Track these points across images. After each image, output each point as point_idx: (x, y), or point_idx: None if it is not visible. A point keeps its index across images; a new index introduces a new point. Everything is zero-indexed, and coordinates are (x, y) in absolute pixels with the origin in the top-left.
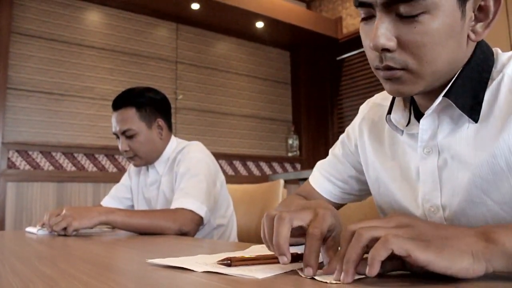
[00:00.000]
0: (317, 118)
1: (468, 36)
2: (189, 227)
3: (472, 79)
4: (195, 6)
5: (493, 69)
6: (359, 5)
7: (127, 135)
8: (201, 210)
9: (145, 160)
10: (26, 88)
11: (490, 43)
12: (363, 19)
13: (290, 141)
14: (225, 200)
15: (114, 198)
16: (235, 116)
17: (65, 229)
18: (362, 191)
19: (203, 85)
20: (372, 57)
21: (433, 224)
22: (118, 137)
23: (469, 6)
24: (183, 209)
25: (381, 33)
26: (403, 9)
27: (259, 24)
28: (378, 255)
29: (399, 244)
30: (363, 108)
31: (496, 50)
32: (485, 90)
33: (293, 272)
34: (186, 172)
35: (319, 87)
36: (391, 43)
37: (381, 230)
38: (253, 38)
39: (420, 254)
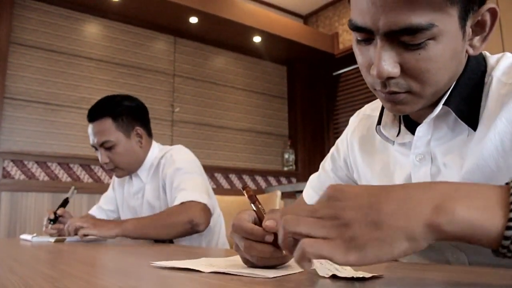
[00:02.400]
0: (313, 133)
1: (466, 51)
2: (200, 216)
3: (468, 86)
4: (193, 20)
5: (486, 74)
6: (356, 29)
7: (106, 146)
8: (202, 198)
9: (127, 170)
10: (23, 98)
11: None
12: (359, 41)
13: (286, 155)
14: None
15: (101, 210)
16: (231, 129)
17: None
18: None
19: (200, 98)
20: (370, 79)
21: (367, 202)
22: (97, 149)
23: (468, 23)
24: (185, 202)
25: (384, 62)
26: (407, 38)
27: (256, 39)
28: (299, 263)
29: (317, 252)
30: (353, 121)
31: (485, 53)
32: (481, 96)
33: (304, 271)
34: (175, 172)
35: (316, 102)
36: (396, 70)
37: (303, 225)
38: (250, 52)
39: (340, 258)
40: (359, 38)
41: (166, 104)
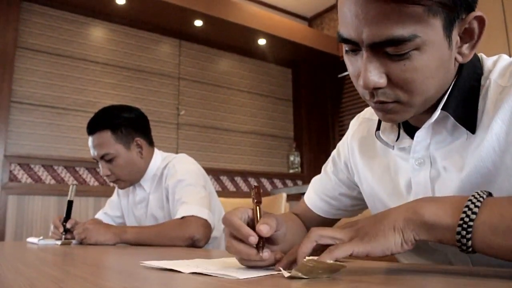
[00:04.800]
0: (319, 135)
1: (455, 58)
2: (201, 233)
3: (465, 89)
4: (198, 23)
5: (482, 76)
6: (343, 41)
7: (106, 159)
8: (203, 213)
9: (129, 182)
10: (30, 102)
11: (487, 51)
12: (347, 52)
13: (291, 158)
14: (216, 211)
15: (107, 216)
16: (236, 132)
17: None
18: (354, 207)
19: (205, 101)
20: (360, 89)
21: (372, 216)
22: (98, 162)
23: (454, 32)
24: (185, 216)
25: (370, 73)
26: (391, 49)
27: (261, 41)
28: (322, 258)
29: (341, 251)
30: (353, 124)
31: (481, 56)
32: (478, 99)
33: (274, 273)
34: (178, 184)
35: (320, 104)
36: (382, 81)
37: (329, 231)
38: (255, 55)
39: (359, 249)
40: (346, 49)
41: (171, 107)
